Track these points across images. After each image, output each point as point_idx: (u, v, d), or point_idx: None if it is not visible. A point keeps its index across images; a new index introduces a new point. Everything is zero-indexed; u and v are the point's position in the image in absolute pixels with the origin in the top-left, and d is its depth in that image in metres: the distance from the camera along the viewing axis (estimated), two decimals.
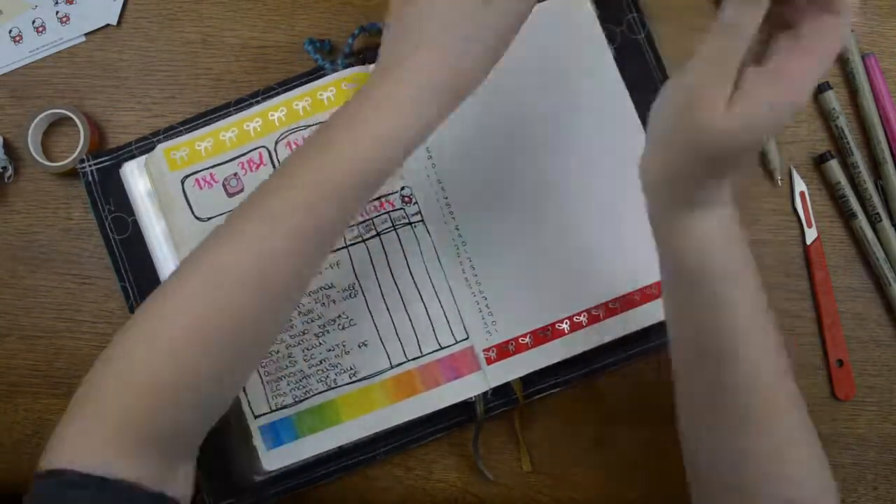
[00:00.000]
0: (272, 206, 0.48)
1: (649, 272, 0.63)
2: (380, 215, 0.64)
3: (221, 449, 0.64)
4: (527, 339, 0.63)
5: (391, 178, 0.57)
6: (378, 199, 0.64)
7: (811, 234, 0.66)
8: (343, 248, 0.64)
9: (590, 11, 0.65)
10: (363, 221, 0.64)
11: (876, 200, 0.66)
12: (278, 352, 0.63)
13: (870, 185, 0.66)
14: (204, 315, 0.47)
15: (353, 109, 0.48)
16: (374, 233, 0.64)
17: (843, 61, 0.67)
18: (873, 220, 0.66)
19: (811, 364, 0.66)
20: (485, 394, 0.63)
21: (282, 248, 0.47)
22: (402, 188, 0.64)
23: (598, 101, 0.65)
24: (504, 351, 0.63)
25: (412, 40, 0.48)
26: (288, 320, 0.62)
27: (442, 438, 0.66)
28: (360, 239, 0.64)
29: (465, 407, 0.64)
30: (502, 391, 0.64)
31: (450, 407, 0.63)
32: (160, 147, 0.65)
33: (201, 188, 0.64)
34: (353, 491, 0.66)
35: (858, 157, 0.66)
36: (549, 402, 0.65)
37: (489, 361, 0.63)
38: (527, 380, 0.64)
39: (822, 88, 0.66)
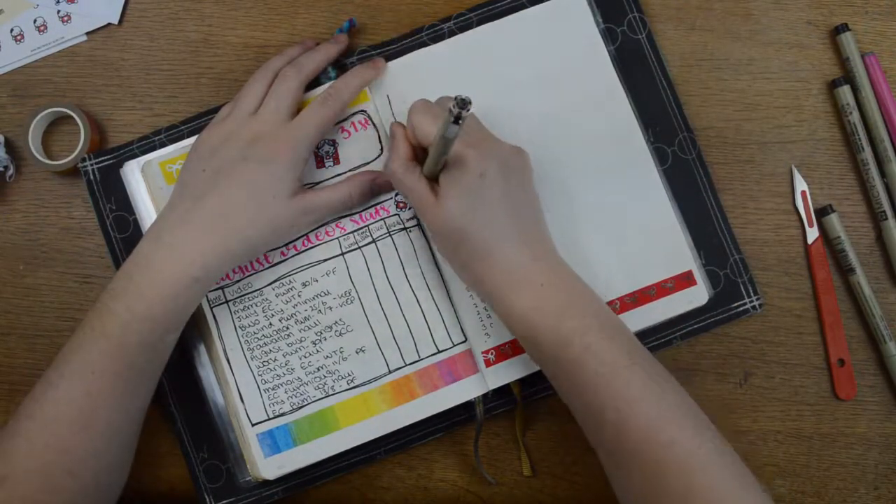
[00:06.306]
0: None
1: (647, 273, 0.63)
2: (375, 222, 0.64)
3: (222, 449, 0.64)
4: None
5: None
6: (373, 205, 0.64)
7: (812, 234, 0.66)
8: (339, 255, 0.64)
9: (586, 13, 0.65)
10: (358, 229, 0.64)
11: (883, 198, 0.66)
12: (275, 360, 0.64)
13: (878, 183, 0.66)
14: None
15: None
16: (369, 239, 0.64)
17: (842, 60, 0.67)
18: (878, 218, 0.66)
19: (812, 364, 0.66)
20: (485, 394, 0.63)
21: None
22: (397, 193, 0.64)
23: (595, 102, 0.64)
24: (502, 353, 0.62)
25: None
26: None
27: (443, 437, 0.66)
28: (355, 246, 0.64)
29: (466, 405, 0.64)
30: (503, 391, 0.64)
31: (451, 406, 0.63)
32: (157, 160, 0.65)
33: None
34: (354, 490, 0.67)
35: (868, 154, 0.66)
36: (549, 402, 0.65)
37: (488, 364, 0.62)
38: (526, 381, 0.64)
39: (836, 83, 0.66)
